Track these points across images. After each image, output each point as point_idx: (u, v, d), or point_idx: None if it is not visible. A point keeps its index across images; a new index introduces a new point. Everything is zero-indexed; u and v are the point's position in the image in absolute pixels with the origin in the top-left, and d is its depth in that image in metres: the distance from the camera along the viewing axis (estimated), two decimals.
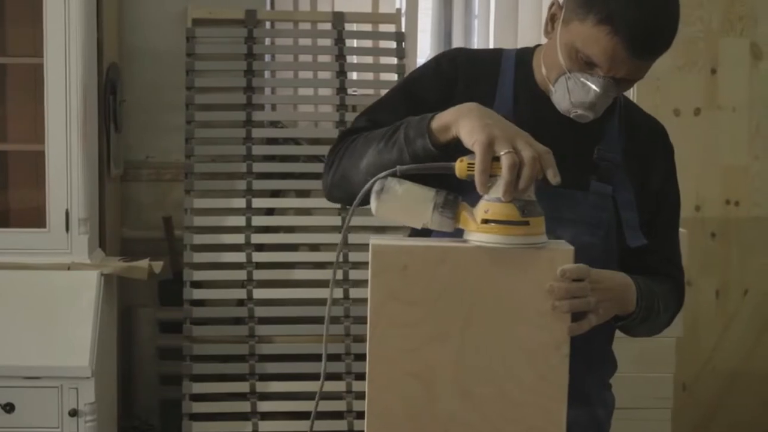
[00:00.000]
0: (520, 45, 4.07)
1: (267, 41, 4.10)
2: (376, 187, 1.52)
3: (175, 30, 4.07)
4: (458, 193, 1.53)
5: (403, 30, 4.12)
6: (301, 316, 3.81)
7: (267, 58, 4.16)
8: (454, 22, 4.27)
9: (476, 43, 4.26)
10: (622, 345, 3.13)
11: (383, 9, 4.24)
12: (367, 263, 1.53)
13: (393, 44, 4.08)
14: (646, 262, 1.85)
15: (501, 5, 4.13)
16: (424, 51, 4.29)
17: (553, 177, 1.50)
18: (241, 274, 3.84)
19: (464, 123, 1.53)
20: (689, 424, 3.98)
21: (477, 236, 1.51)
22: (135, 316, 4.09)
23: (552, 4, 1.73)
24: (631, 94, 4.03)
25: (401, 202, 1.53)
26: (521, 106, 1.79)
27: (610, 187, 1.81)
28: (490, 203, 1.50)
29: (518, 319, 1.54)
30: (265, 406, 3.75)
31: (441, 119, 1.58)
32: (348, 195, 1.72)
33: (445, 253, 1.53)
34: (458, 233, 1.55)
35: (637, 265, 1.82)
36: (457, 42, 4.26)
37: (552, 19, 1.73)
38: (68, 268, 3.25)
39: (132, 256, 3.57)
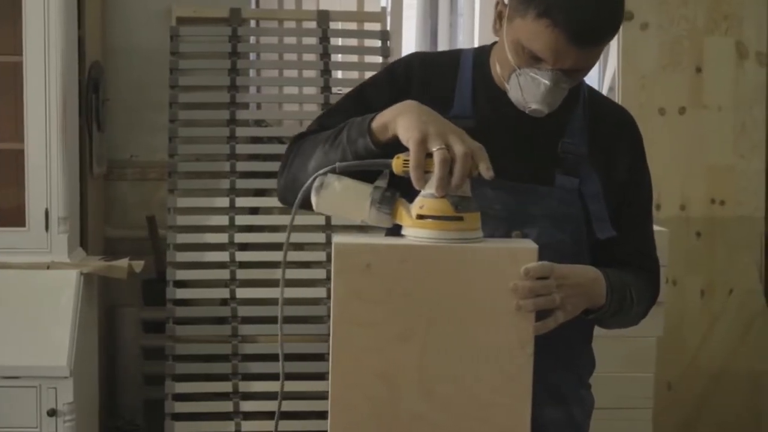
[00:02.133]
0: None
1: (252, 40, 4.08)
2: (316, 184, 1.55)
3: (159, 28, 4.06)
4: (402, 192, 1.54)
5: (388, 29, 4.11)
6: (284, 316, 3.77)
7: (252, 56, 4.16)
8: (440, 21, 4.26)
9: (461, 42, 4.26)
10: (604, 344, 3.13)
11: (368, 8, 4.23)
12: None
13: (378, 43, 4.07)
14: (618, 255, 1.83)
15: (486, 4, 4.12)
16: (409, 49, 4.28)
17: (486, 171, 1.51)
18: (224, 274, 3.83)
19: (401, 121, 1.55)
20: (674, 424, 3.97)
21: (412, 231, 1.52)
22: (119, 316, 4.08)
23: (497, 3, 1.73)
24: (616, 92, 4.03)
25: (339, 198, 1.55)
26: (481, 104, 1.79)
27: (577, 179, 1.79)
28: (425, 199, 1.51)
29: (482, 319, 1.53)
30: (247, 406, 3.74)
31: (381, 119, 1.59)
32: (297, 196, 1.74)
33: (408, 251, 1.52)
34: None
35: (609, 258, 1.80)
36: (442, 40, 4.25)
37: (499, 17, 1.73)
38: (47, 268, 3.24)
39: (115, 256, 3.55)
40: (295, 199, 1.62)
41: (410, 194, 1.55)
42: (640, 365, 3.16)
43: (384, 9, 4.18)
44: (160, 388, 3.75)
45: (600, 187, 1.80)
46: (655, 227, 3.28)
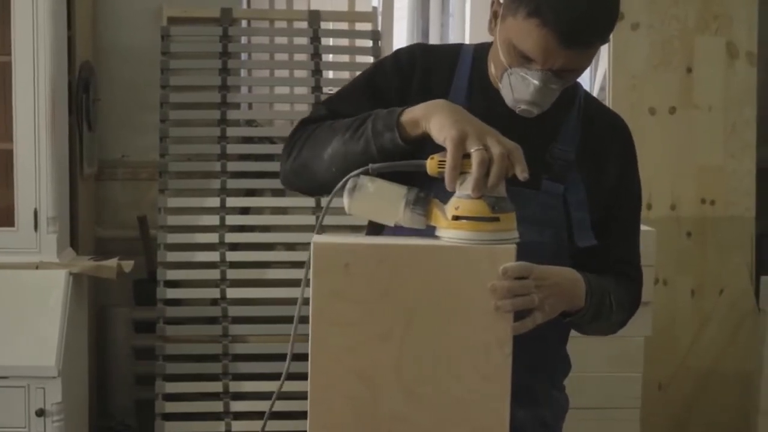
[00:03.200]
0: None
1: (243, 40, 4.08)
2: (348, 185, 1.54)
3: (150, 28, 4.05)
4: (428, 191, 1.54)
5: (379, 29, 4.11)
6: (275, 316, 3.79)
7: (243, 56, 4.16)
8: (430, 21, 4.26)
9: (451, 42, 4.26)
10: (592, 345, 3.15)
11: (359, 7, 4.24)
12: None
13: (369, 43, 4.07)
14: (601, 261, 1.82)
15: (476, 4, 4.12)
16: None
17: (521, 173, 1.51)
18: (215, 274, 3.83)
19: (435, 119, 1.54)
20: (665, 424, 3.97)
21: (448, 233, 1.51)
22: (110, 316, 4.07)
23: (493, 2, 1.73)
24: (607, 92, 4.03)
25: (373, 199, 1.55)
26: (475, 101, 1.78)
27: (562, 186, 1.79)
28: (461, 200, 1.50)
29: (461, 318, 1.52)
30: (238, 406, 3.73)
31: (410, 114, 1.59)
32: (307, 184, 1.74)
33: (387, 251, 1.52)
34: (429, 231, 1.55)
35: (591, 264, 1.80)
36: (433, 41, 4.26)
37: (494, 16, 1.73)
38: (36, 267, 3.24)
39: (106, 256, 3.55)
40: (303, 183, 1.63)
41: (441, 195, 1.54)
42: (628, 365, 3.16)
43: (375, 9, 4.19)
44: (152, 388, 3.75)
45: (585, 195, 1.80)
46: (643, 227, 3.29)
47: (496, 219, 1.49)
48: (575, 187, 1.80)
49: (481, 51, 1.83)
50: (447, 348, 1.53)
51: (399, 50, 1.86)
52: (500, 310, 1.51)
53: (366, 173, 1.54)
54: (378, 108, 1.66)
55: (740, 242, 4.02)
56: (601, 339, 3.12)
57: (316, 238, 1.55)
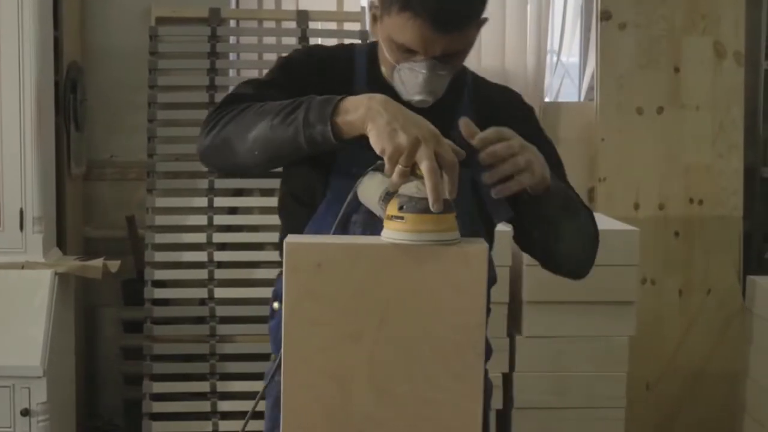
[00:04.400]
0: (485, 42, 4.10)
1: (231, 39, 4.08)
2: (363, 176, 1.60)
3: (138, 28, 4.05)
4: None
5: (367, 28, 4.11)
6: (262, 316, 3.78)
7: (231, 56, 4.15)
8: None
9: None
10: (577, 345, 3.16)
11: (348, 7, 4.24)
12: None
13: (357, 43, 4.06)
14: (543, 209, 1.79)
15: None
16: None
17: (451, 192, 1.53)
18: (202, 273, 3.83)
19: (372, 126, 1.53)
20: (652, 423, 3.97)
21: (386, 232, 1.52)
22: (99, 316, 4.07)
23: (371, 6, 1.78)
24: (595, 92, 4.04)
25: (366, 192, 1.60)
26: None
27: (469, 170, 1.78)
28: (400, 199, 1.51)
29: (433, 318, 1.52)
30: (225, 406, 3.73)
31: (348, 116, 1.57)
32: (225, 162, 1.74)
33: (359, 250, 1.52)
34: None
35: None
36: None
37: (374, 19, 1.77)
38: (22, 267, 3.23)
39: (93, 256, 3.55)
40: (220, 161, 1.66)
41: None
42: (613, 365, 3.17)
43: (363, 9, 4.18)
44: (140, 388, 3.75)
45: None
46: (626, 227, 3.31)
47: (436, 220, 1.50)
48: (480, 167, 1.81)
49: (373, 52, 1.86)
50: (419, 348, 1.53)
51: (296, 51, 1.87)
52: (499, 194, 1.54)
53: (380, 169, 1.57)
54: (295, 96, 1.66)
55: (728, 242, 4.03)
56: (585, 339, 3.15)
57: (289, 238, 1.55)
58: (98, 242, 4.06)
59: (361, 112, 1.56)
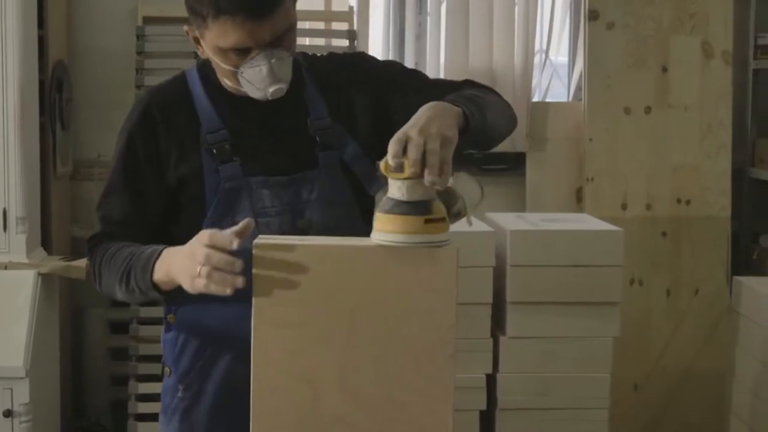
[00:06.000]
0: (472, 42, 4.08)
1: None
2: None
3: (125, 28, 4.05)
4: None
5: (355, 28, 4.10)
6: None
7: None
8: (407, 20, 4.25)
9: (428, 43, 4.25)
10: (561, 345, 3.15)
11: (336, 7, 4.22)
12: None
13: (345, 42, 4.06)
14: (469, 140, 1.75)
15: (453, 3, 4.11)
16: (377, 49, 4.27)
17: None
18: None
19: (177, 276, 1.63)
20: (640, 424, 3.96)
21: (374, 234, 1.52)
22: (86, 317, 4.06)
23: (186, 32, 1.79)
24: (582, 92, 4.03)
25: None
26: (226, 115, 1.83)
27: (336, 151, 1.83)
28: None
29: (403, 320, 1.52)
30: None
31: (159, 273, 1.69)
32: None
33: (328, 252, 1.52)
34: None
35: None
36: (409, 39, 4.24)
37: (196, 41, 1.78)
38: (5, 268, 3.22)
39: (80, 256, 3.54)
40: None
41: None
42: (597, 366, 3.15)
43: (351, 8, 4.17)
44: (127, 389, 3.74)
45: (357, 144, 1.83)
46: (612, 227, 3.30)
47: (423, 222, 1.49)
48: (344, 143, 1.84)
49: (205, 67, 1.86)
50: (389, 350, 1.52)
51: (130, 122, 1.86)
52: (443, 183, 1.48)
53: None
54: (143, 198, 1.81)
55: (716, 242, 4.02)
56: (568, 340, 3.14)
57: (258, 240, 1.55)
58: (85, 242, 4.03)
59: (163, 271, 1.68)
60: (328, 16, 4.21)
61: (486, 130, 1.74)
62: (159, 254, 1.70)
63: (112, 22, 4.07)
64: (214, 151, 1.79)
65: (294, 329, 1.52)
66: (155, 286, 1.71)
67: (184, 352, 1.87)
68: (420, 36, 4.28)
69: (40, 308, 3.20)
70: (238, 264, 1.52)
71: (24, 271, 3.22)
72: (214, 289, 1.54)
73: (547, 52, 4.36)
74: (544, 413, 3.15)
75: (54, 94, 3.73)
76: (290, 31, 1.75)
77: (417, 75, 1.96)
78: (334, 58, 1.96)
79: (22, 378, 3.09)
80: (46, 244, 3.60)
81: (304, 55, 1.92)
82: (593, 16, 3.98)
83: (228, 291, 1.53)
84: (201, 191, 1.79)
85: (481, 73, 4.07)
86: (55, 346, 3.49)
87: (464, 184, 1.66)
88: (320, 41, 4.19)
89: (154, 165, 1.82)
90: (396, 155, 1.48)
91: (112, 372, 4.02)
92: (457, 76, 4.13)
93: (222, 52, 1.72)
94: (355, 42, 4.03)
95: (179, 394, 1.89)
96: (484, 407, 3.18)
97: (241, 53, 1.71)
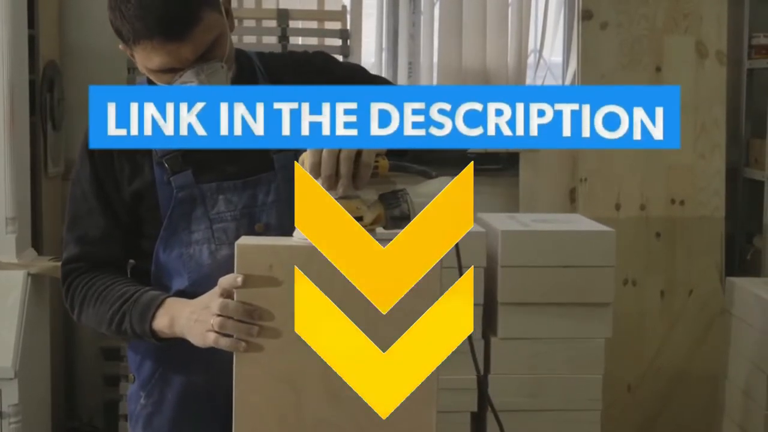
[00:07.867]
0: (466, 42, 4.07)
1: None
2: None
3: None
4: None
5: (348, 28, 4.09)
6: None
7: None
8: (400, 19, 4.24)
9: (422, 43, 4.24)
10: (553, 346, 3.13)
11: (329, 6, 4.21)
12: None
13: (338, 42, 4.05)
14: None
15: (446, 2, 4.10)
16: (369, 49, 4.26)
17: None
18: None
19: (186, 334, 1.65)
20: (634, 425, 3.95)
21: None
22: None
23: (128, 60, 1.79)
24: None
25: None
26: None
27: (291, 153, 1.80)
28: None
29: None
30: None
31: (159, 324, 1.70)
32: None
33: (310, 253, 1.50)
34: None
35: None
36: (402, 39, 4.24)
37: (134, 66, 1.78)
38: None
39: None
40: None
41: None
42: (589, 367, 3.13)
43: (344, 8, 4.16)
44: (119, 389, 3.73)
45: None
46: (604, 227, 3.28)
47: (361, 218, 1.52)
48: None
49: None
50: None
51: (87, 134, 1.82)
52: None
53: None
54: (115, 213, 1.81)
55: (710, 243, 4.01)
56: (559, 341, 3.12)
57: (241, 240, 1.54)
58: None
59: (167, 321, 1.69)
60: (321, 15, 4.20)
61: None
62: (161, 302, 1.71)
63: (103, 22, 3.98)
64: (166, 164, 1.78)
65: (277, 330, 1.51)
66: (153, 334, 1.71)
67: (145, 360, 1.87)
68: (413, 36, 4.27)
69: (29, 309, 3.19)
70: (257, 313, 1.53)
71: (14, 271, 3.21)
72: (225, 344, 1.54)
73: (540, 51, 4.35)
74: (535, 414, 3.14)
75: (45, 94, 3.72)
76: (220, 39, 1.71)
77: (378, 80, 1.95)
78: (290, 56, 1.95)
79: (11, 379, 3.08)
80: (37, 244, 3.59)
81: (260, 54, 1.90)
82: (587, 15, 3.97)
83: (242, 346, 1.52)
84: (155, 203, 1.79)
85: (474, 73, 4.06)
86: (45, 346, 3.47)
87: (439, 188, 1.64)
88: (313, 40, 4.17)
89: (114, 181, 1.81)
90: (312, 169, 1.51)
91: (104, 372, 4.01)
92: (451, 76, 4.14)
93: (152, 72, 1.71)
94: (348, 41, 4.02)
95: (141, 400, 1.88)
96: (475, 409, 3.16)
97: (170, 72, 1.68)
